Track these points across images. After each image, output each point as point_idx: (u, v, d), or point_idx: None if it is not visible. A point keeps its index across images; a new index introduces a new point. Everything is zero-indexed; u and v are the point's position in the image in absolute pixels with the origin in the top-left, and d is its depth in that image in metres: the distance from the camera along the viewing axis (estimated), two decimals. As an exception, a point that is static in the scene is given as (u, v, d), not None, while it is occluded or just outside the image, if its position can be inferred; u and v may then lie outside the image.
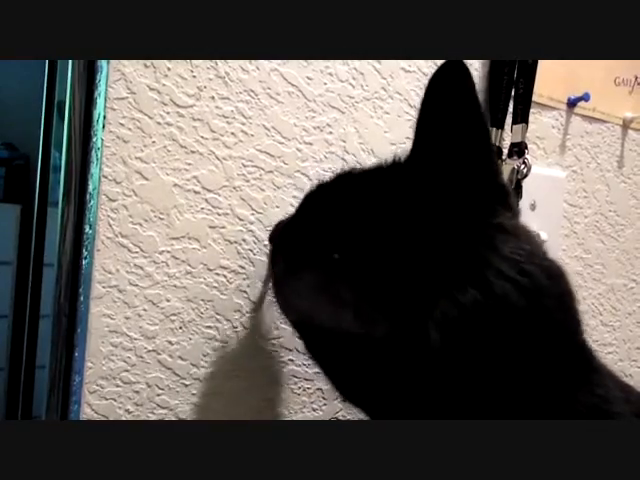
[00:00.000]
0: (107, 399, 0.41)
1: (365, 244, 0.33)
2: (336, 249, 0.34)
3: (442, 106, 0.34)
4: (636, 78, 0.69)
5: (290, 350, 0.48)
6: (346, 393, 0.38)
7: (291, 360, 0.48)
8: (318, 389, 0.49)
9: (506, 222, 0.35)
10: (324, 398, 0.50)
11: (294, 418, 0.48)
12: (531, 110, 0.59)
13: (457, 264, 0.32)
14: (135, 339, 0.41)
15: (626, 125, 0.70)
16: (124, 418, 0.41)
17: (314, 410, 0.50)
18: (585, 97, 0.64)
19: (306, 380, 0.49)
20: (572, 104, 0.65)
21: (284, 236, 0.41)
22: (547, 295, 0.33)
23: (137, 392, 0.42)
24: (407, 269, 0.32)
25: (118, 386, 0.41)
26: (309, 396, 0.49)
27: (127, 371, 0.41)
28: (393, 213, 0.34)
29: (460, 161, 0.34)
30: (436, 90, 0.34)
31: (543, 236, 0.61)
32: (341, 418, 0.51)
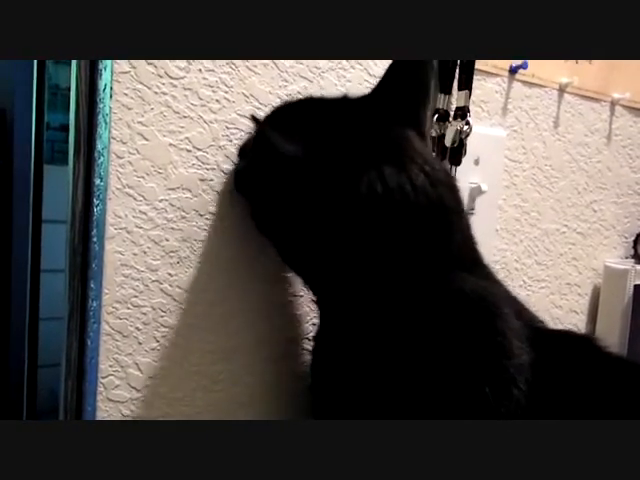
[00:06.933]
0: (121, 319, 0.50)
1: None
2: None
3: (400, 77, 0.52)
4: (571, 48, 0.78)
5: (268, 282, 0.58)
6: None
7: (269, 286, 0.58)
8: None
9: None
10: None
11: (276, 336, 0.59)
12: (477, 77, 0.68)
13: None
14: (142, 271, 0.51)
15: (562, 89, 0.79)
16: (135, 335, 0.51)
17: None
18: (524, 66, 0.73)
19: (281, 304, 0.59)
20: (513, 71, 0.74)
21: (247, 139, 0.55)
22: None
23: (144, 314, 0.51)
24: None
25: (129, 308, 0.51)
26: (281, 318, 0.59)
27: (136, 297, 0.51)
28: (342, 115, 0.49)
29: (401, 107, 0.50)
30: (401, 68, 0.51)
31: (484, 187, 0.72)
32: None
